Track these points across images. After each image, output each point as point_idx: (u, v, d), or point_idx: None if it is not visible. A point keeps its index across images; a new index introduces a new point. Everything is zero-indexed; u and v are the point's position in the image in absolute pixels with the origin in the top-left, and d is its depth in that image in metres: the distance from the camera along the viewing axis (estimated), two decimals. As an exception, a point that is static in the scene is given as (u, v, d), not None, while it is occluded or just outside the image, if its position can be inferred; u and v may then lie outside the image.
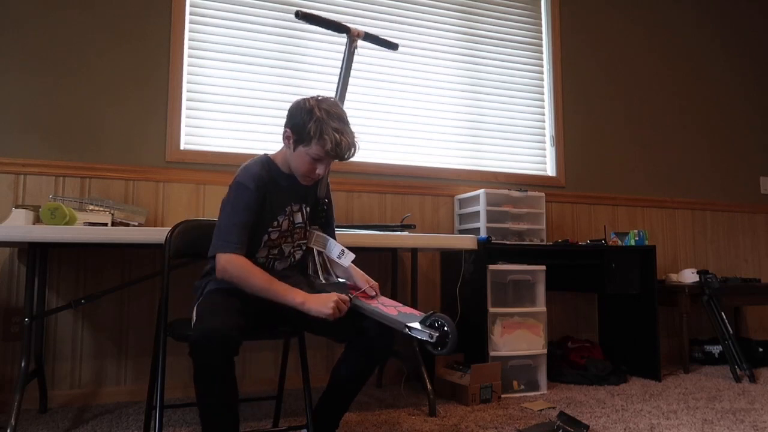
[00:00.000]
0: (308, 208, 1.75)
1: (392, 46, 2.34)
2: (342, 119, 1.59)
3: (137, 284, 2.48)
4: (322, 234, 1.75)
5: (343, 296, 1.53)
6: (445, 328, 1.46)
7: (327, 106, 1.58)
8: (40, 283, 2.28)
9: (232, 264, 1.52)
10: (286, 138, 1.63)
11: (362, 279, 1.70)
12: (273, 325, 1.69)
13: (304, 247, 1.76)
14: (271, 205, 1.63)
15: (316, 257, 1.75)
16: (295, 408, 2.33)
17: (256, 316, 1.61)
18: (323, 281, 1.71)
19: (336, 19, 2.23)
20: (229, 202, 1.58)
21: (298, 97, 1.64)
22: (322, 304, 1.49)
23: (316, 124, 1.55)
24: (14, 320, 2.37)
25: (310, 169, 1.61)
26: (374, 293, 1.67)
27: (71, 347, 2.44)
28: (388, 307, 1.59)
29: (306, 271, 1.78)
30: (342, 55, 2.16)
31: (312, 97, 1.61)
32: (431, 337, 1.46)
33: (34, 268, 2.11)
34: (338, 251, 1.72)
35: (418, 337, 1.48)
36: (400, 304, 1.62)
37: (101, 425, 2.09)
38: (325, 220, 1.79)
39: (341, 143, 1.56)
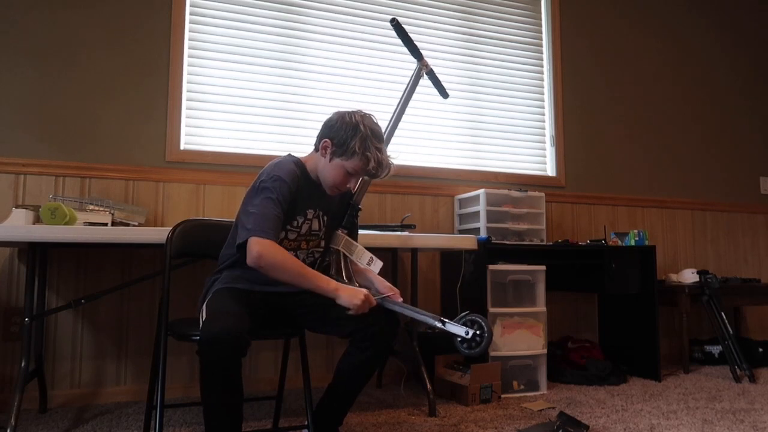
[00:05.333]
0: (326, 218, 1.76)
1: (444, 94, 2.46)
2: (382, 139, 1.66)
3: (137, 284, 2.48)
4: (351, 240, 1.76)
5: (370, 295, 1.55)
6: (483, 327, 1.45)
7: (370, 124, 1.64)
8: (40, 283, 2.28)
9: (268, 249, 1.50)
10: (323, 148, 1.65)
11: (384, 286, 1.73)
12: (274, 324, 1.69)
13: (316, 255, 1.77)
14: (294, 204, 1.64)
15: (342, 262, 1.76)
16: (295, 408, 2.33)
17: (258, 315, 1.62)
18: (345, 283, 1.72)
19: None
20: (266, 193, 1.56)
21: (327, 107, 1.72)
22: (352, 295, 1.52)
23: (361, 141, 1.60)
24: (14, 320, 2.37)
25: (343, 181, 1.65)
26: (399, 299, 1.70)
27: (71, 347, 2.44)
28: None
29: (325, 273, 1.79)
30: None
31: (356, 112, 1.66)
32: (467, 333, 1.45)
33: (34, 268, 2.11)
34: (367, 258, 1.74)
35: (453, 332, 1.48)
36: (423, 310, 1.64)
37: (101, 425, 2.09)
38: (352, 225, 1.82)
39: (382, 163, 1.63)
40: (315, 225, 1.72)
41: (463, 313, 1.50)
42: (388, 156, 1.67)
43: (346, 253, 1.76)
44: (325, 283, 1.54)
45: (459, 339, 1.47)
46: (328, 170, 1.65)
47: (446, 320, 1.49)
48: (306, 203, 1.69)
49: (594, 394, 2.59)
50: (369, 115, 1.68)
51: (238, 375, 1.41)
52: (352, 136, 1.60)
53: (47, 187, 2.46)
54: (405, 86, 2.28)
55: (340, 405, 1.72)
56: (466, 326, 1.47)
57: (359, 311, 1.52)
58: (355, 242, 1.77)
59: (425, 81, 3.14)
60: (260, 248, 1.50)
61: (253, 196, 1.58)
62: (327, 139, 1.64)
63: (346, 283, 1.71)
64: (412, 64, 3.11)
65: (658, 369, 2.89)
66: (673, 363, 3.36)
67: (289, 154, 1.72)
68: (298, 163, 1.68)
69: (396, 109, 2.23)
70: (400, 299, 1.69)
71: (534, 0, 3.52)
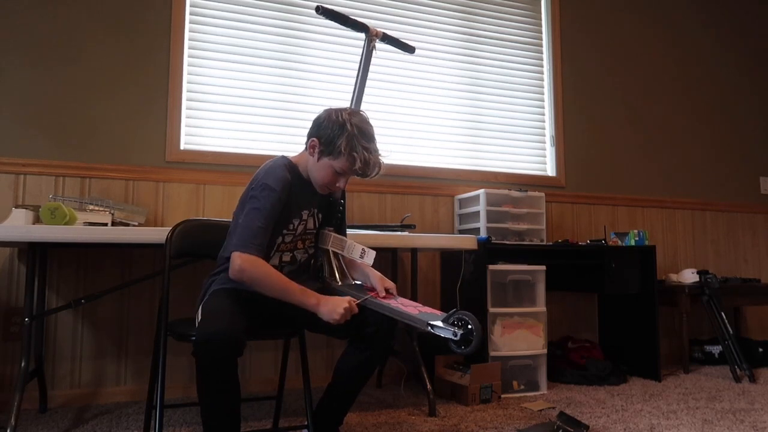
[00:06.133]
0: (320, 215, 1.76)
1: (409, 49, 2.35)
2: (371, 138, 1.61)
3: (137, 284, 2.48)
4: (339, 236, 1.75)
5: (353, 302, 1.51)
6: (469, 326, 1.43)
7: (358, 122, 1.59)
8: (40, 283, 2.28)
9: (251, 264, 1.50)
10: (311, 147, 1.63)
11: (378, 280, 1.70)
12: (274, 324, 1.69)
13: (310, 251, 1.76)
14: (289, 209, 1.63)
15: (333, 259, 1.75)
16: (295, 408, 2.33)
17: (257, 316, 1.61)
18: (339, 283, 1.71)
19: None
20: (253, 203, 1.55)
21: (327, 107, 1.66)
22: (332, 310, 1.49)
23: (348, 140, 1.56)
24: (14, 320, 2.37)
25: (332, 181, 1.62)
26: (393, 294, 1.68)
27: (71, 347, 2.44)
28: (408, 307, 1.59)
29: (318, 274, 1.78)
30: (359, 55, 2.22)
31: (344, 110, 1.62)
32: (455, 335, 1.43)
33: (34, 268, 2.11)
34: (360, 251, 1.71)
35: (442, 335, 1.46)
36: (420, 304, 1.62)
37: (101, 425, 2.09)
38: (339, 222, 1.80)
39: (370, 162, 1.58)
40: (310, 224, 1.72)
41: (451, 312, 1.48)
42: (379, 155, 1.62)
43: (337, 251, 1.74)
44: (307, 298, 1.51)
45: (449, 340, 1.45)
46: (317, 170, 1.63)
47: (434, 324, 1.47)
48: (301, 205, 1.68)
49: (594, 394, 2.59)
50: (359, 112, 1.64)
51: (235, 375, 1.41)
52: (338, 135, 1.57)
53: (47, 187, 2.46)
54: (359, 61, 2.18)
55: (339, 405, 1.72)
56: (455, 326, 1.45)
57: (343, 321, 1.49)
58: (344, 237, 1.75)
59: (431, 82, 3.16)
60: (241, 263, 1.49)
61: (244, 207, 1.58)
62: (314, 138, 1.62)
63: (338, 284, 1.69)
64: (412, 63, 3.15)
65: (658, 369, 2.89)
66: (673, 363, 3.36)
67: (282, 156, 1.70)
68: (289, 166, 1.66)
69: (354, 91, 2.15)
70: (384, 294, 1.66)
71: (534, 0, 3.52)
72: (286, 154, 1.74)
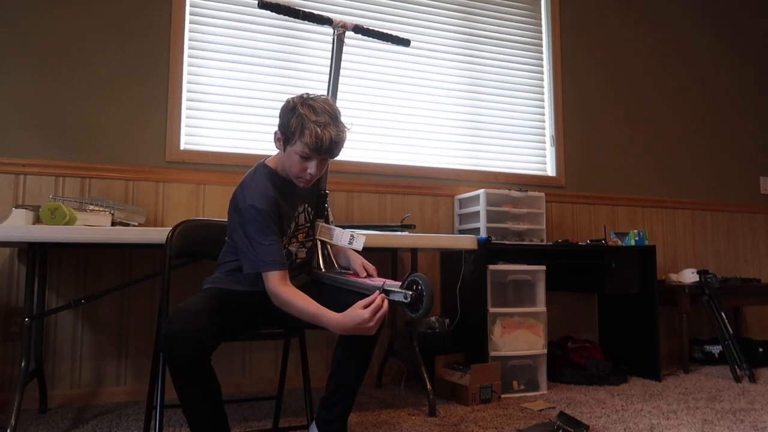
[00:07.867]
0: (310, 209, 1.75)
1: (404, 43, 2.20)
2: (328, 114, 1.54)
3: (137, 284, 2.48)
4: (327, 225, 1.75)
5: (372, 305, 1.44)
6: (420, 287, 1.40)
7: (312, 102, 1.54)
8: (40, 283, 2.28)
9: (278, 289, 1.51)
10: (277, 140, 1.60)
11: (359, 264, 1.70)
12: (273, 325, 1.69)
13: (308, 245, 1.75)
14: (281, 219, 1.61)
15: (320, 249, 1.74)
16: (295, 408, 2.33)
17: (253, 317, 1.61)
18: (323, 271, 1.71)
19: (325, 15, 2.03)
20: (255, 226, 1.52)
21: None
22: (360, 329, 1.44)
23: (298, 120, 1.52)
24: (14, 320, 2.37)
25: (301, 168, 1.56)
26: (372, 276, 1.67)
27: (71, 347, 2.44)
28: (375, 280, 1.59)
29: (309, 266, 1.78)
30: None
31: (299, 95, 1.58)
32: (405, 297, 1.41)
33: (34, 268, 2.11)
34: (348, 237, 1.69)
35: (394, 299, 1.44)
36: (391, 280, 1.60)
37: (101, 425, 2.09)
38: (325, 213, 1.80)
39: (323, 137, 1.50)
40: (301, 219, 1.71)
41: (406, 275, 1.46)
42: (334, 128, 1.53)
43: (326, 240, 1.73)
44: (327, 320, 1.48)
45: (403, 304, 1.43)
46: (287, 162, 1.59)
47: (387, 288, 1.45)
48: (292, 208, 1.67)
49: (594, 394, 2.59)
50: (314, 96, 1.58)
51: (205, 373, 1.39)
52: (290, 118, 1.53)
53: (47, 187, 2.46)
54: (330, 57, 2.01)
55: (343, 393, 1.65)
56: (408, 289, 1.42)
57: (376, 323, 1.44)
58: (331, 226, 1.74)
59: (431, 82, 3.16)
60: (273, 287, 1.51)
61: (242, 224, 1.54)
62: (277, 131, 1.60)
63: (321, 272, 1.68)
64: (412, 63, 3.15)
65: (658, 369, 2.89)
66: (673, 363, 3.36)
67: (262, 164, 1.66)
68: (270, 175, 1.62)
69: (328, 87, 2.02)
70: (365, 274, 1.65)
71: (534, 0, 3.52)
72: (260, 163, 1.67)
